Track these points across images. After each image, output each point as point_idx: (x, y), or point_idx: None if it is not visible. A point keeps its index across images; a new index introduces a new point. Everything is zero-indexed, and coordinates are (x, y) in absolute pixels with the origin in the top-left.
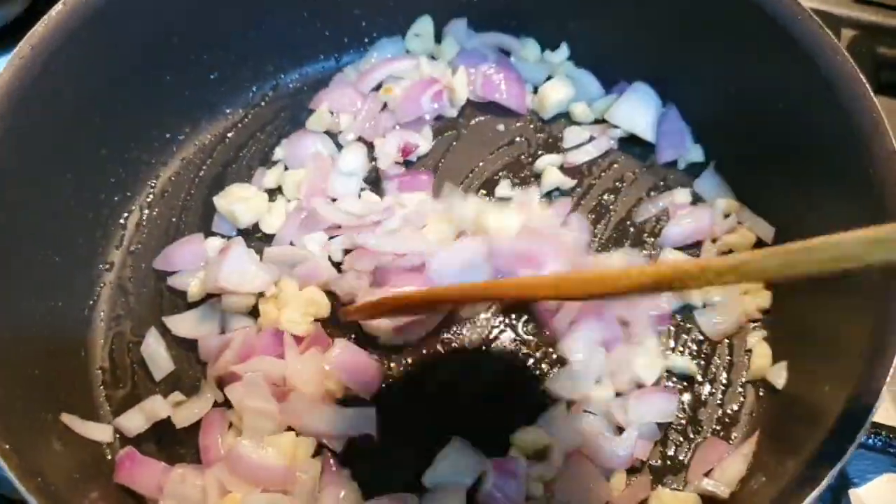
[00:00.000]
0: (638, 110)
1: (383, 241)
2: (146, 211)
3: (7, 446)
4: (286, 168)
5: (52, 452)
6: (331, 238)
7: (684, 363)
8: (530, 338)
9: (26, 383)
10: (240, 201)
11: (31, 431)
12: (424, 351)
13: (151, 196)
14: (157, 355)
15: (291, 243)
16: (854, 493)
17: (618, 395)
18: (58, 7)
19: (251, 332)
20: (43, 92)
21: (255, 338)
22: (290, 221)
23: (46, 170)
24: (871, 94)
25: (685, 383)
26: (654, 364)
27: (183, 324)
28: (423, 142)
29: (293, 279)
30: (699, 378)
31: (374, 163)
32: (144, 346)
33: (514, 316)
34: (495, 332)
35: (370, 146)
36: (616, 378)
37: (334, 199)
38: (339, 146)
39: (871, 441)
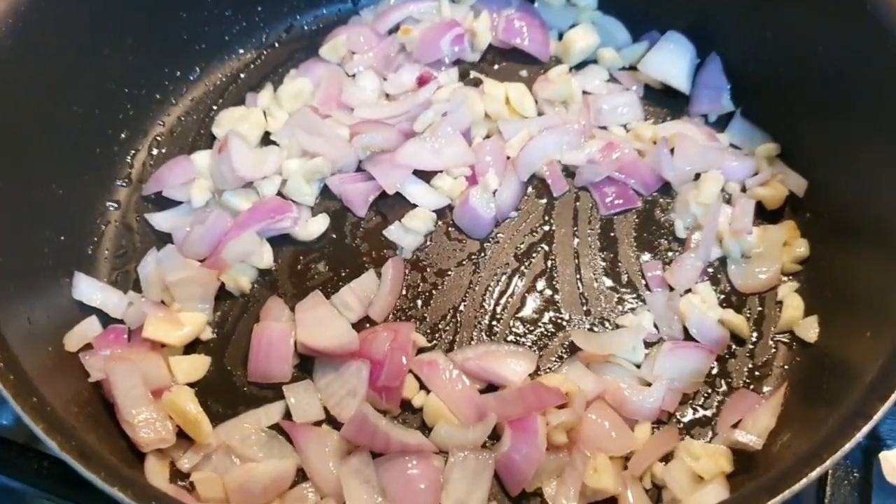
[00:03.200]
0: (673, 61)
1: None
2: (154, 150)
3: (1, 364)
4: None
5: (52, 388)
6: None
7: (738, 321)
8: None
9: (27, 313)
10: (240, 121)
11: (31, 366)
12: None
13: (161, 136)
14: (152, 276)
15: None
16: (884, 455)
17: (647, 347)
18: None
19: (224, 214)
20: (50, 14)
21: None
22: (298, 117)
23: (53, 98)
24: None
25: None
26: (710, 314)
27: (162, 219)
28: (447, 80)
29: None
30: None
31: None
32: (142, 265)
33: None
34: (520, 281)
35: (383, 80)
36: (662, 325)
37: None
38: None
39: None
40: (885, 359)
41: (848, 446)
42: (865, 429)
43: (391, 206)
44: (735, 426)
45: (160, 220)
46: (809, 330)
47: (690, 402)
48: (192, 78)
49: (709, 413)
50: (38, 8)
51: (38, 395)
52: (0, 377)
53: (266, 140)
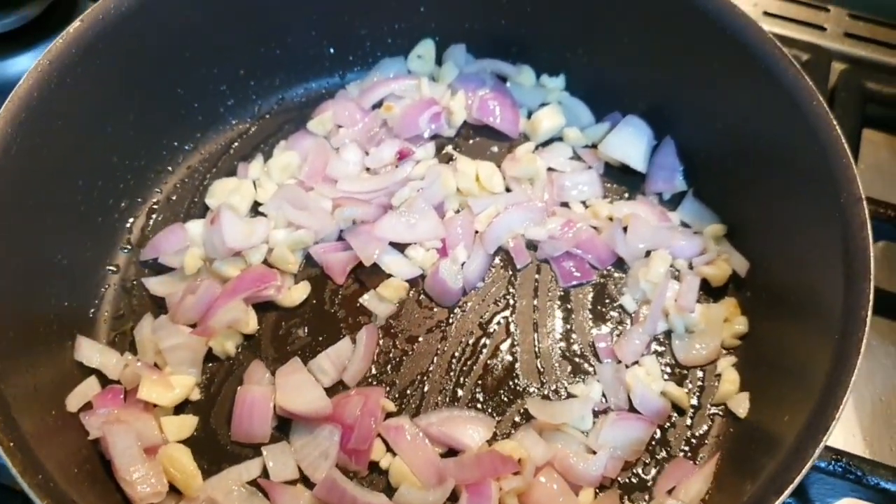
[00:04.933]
0: (631, 142)
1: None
2: (152, 216)
3: (11, 444)
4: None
5: (54, 448)
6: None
7: (679, 394)
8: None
9: (33, 380)
10: (232, 193)
11: (36, 428)
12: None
13: (158, 203)
14: (147, 340)
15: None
16: None
17: (595, 416)
18: (75, 24)
19: (214, 283)
20: (59, 103)
21: (216, 287)
22: (285, 191)
23: (59, 176)
24: (845, 142)
25: None
26: (653, 386)
27: (157, 284)
28: (424, 154)
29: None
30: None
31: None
32: (138, 329)
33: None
34: (484, 350)
35: (366, 154)
36: (610, 395)
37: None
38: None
39: (832, 467)
40: (787, 451)
41: None
42: None
43: (368, 274)
44: (670, 492)
45: (155, 285)
46: (741, 405)
47: (632, 467)
48: (188, 148)
49: (647, 477)
50: (47, 98)
51: (44, 472)
52: (10, 457)
53: (255, 207)
